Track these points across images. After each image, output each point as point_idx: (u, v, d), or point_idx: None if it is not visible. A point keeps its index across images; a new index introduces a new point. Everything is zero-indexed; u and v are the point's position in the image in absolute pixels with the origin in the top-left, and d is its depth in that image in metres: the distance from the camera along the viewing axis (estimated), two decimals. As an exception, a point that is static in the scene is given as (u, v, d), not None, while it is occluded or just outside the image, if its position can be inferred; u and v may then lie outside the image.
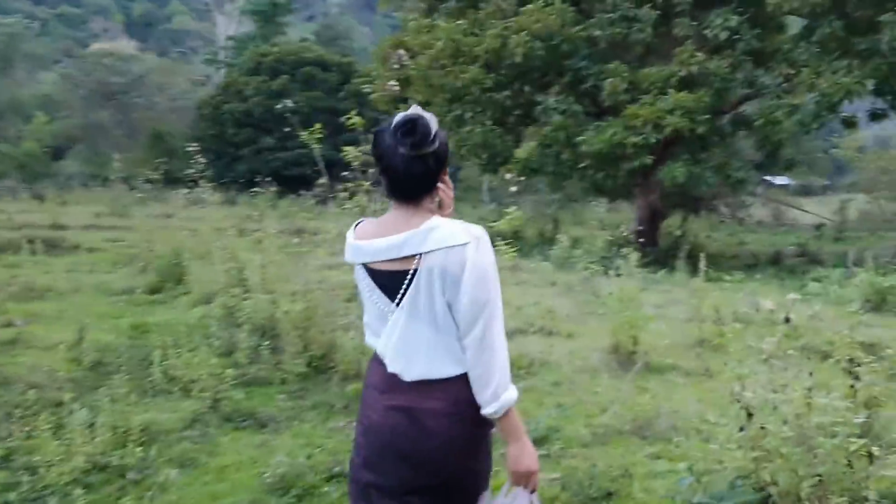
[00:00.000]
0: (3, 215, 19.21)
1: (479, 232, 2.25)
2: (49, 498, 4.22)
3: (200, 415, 5.67)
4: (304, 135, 6.79)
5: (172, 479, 4.57)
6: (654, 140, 16.76)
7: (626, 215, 24.98)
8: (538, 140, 18.35)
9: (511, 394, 2.24)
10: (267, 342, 6.93)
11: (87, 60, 47.10)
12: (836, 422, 4.21)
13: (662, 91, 17.28)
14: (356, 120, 5.54)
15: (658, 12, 17.93)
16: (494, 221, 26.26)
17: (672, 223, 22.59)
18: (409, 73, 20.62)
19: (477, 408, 2.24)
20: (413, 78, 20.60)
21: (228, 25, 53.20)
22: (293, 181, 26.79)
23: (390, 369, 2.30)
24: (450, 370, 2.26)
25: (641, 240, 15.59)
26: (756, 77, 19.06)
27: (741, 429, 4.30)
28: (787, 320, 4.54)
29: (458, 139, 19.41)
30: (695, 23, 17.93)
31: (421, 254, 2.20)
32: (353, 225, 2.45)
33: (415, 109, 2.30)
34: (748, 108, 20.31)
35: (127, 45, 55.81)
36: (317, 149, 6.50)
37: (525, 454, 2.30)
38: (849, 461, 3.91)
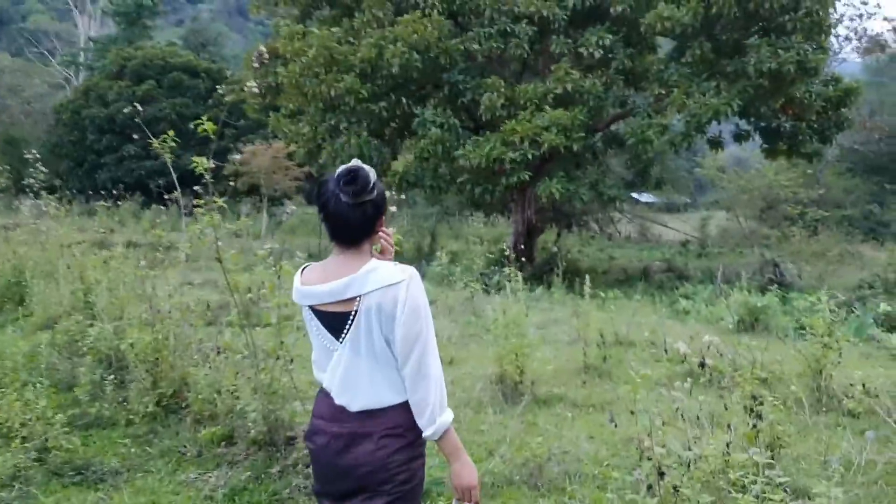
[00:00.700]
0: None
1: (411, 271, 2.46)
2: None
3: (22, 469, 4.73)
4: (156, 143, 5.91)
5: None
6: (531, 156, 16.53)
7: (503, 230, 24.84)
8: (416, 153, 17.79)
9: (447, 416, 2.47)
10: (112, 376, 6.03)
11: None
12: (749, 474, 3.78)
13: (539, 107, 17.11)
14: (208, 126, 4.74)
15: (535, 28, 17.79)
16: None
17: (547, 238, 22.55)
18: (280, 80, 19.74)
19: (414, 430, 2.48)
20: (285, 85, 19.70)
21: (90, 26, 50.26)
22: (159, 191, 25.31)
23: (337, 402, 2.51)
24: (390, 399, 2.48)
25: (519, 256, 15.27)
26: (627, 96, 19.25)
27: (649, 487, 3.79)
28: (703, 366, 4.07)
29: (332, 150, 18.65)
30: (570, 40, 17.88)
31: (361, 295, 2.41)
32: (300, 269, 2.61)
33: (355, 162, 2.50)
34: (620, 127, 20.49)
35: (-23, 43, 51.95)
36: (168, 158, 5.65)
37: (465, 470, 2.51)
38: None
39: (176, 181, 6.18)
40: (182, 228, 9.19)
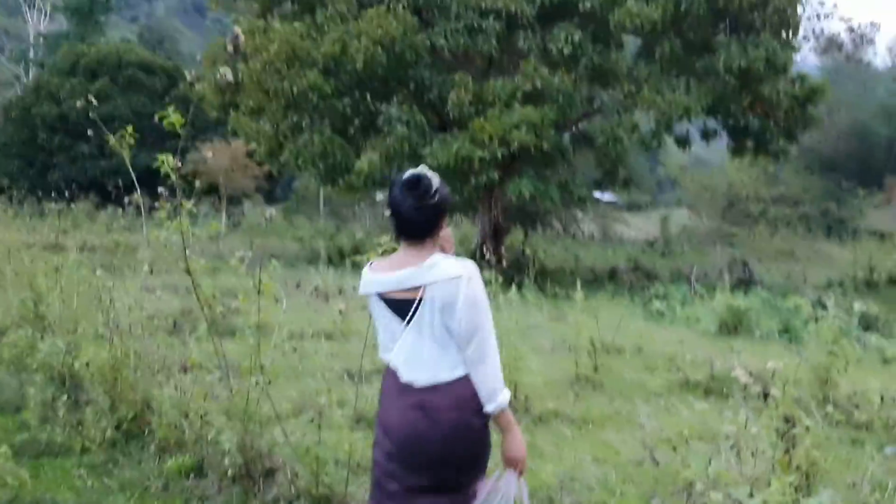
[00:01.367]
0: None
1: (471, 267, 2.69)
2: None
3: (-42, 511, 4.12)
4: (112, 140, 5.29)
5: None
6: (501, 155, 16.08)
7: (468, 230, 24.37)
8: (381, 151, 17.23)
9: (505, 395, 2.69)
10: (65, 396, 5.42)
11: None
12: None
13: (508, 105, 16.68)
14: (175, 118, 4.16)
15: (502, 24, 17.35)
16: (333, 236, 24.89)
17: (514, 239, 22.13)
18: (240, 77, 19.02)
19: (475, 401, 2.65)
20: (245, 82, 18.99)
21: (40, 22, 48.61)
22: (116, 191, 24.38)
23: (403, 379, 2.70)
24: (450, 375, 2.66)
25: (488, 257, 14.74)
26: (595, 94, 18.92)
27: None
28: (766, 397, 3.61)
29: (294, 148, 18.00)
30: (538, 37, 17.47)
31: (425, 285, 2.63)
32: (369, 263, 2.87)
33: (421, 168, 2.75)
34: (588, 126, 20.17)
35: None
36: (127, 155, 5.05)
37: (516, 443, 2.75)
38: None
39: (136, 181, 5.58)
40: (141, 231, 8.55)
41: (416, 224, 2.71)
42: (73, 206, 25.81)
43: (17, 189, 28.80)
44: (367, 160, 18.24)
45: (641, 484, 4.57)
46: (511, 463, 2.79)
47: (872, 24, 38.28)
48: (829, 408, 6.29)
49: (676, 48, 17.24)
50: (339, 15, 17.78)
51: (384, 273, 2.74)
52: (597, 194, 31.71)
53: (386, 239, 3.71)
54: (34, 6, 49.16)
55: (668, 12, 16.51)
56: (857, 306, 13.33)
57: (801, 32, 20.14)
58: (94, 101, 5.95)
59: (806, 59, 36.37)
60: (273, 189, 39.22)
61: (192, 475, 4.53)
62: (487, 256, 12.46)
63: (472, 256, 12.73)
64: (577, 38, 17.02)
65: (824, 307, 14.46)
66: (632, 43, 20.54)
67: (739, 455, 4.55)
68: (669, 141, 19.30)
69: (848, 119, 34.16)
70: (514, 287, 14.56)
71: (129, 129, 5.38)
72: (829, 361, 6.25)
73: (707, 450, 5.21)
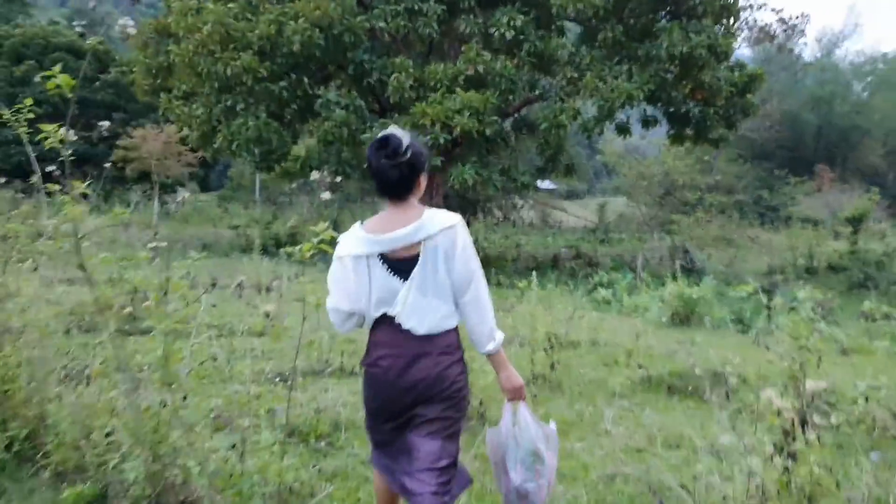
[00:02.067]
0: None
1: (459, 217, 2.87)
2: None
3: None
4: (7, 114, 4.44)
5: None
6: (443, 140, 15.42)
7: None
8: (318, 136, 16.40)
9: (500, 335, 2.92)
10: (-51, 410, 4.58)
11: None
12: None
13: (450, 90, 16.02)
14: (62, 79, 3.39)
15: (443, 7, 16.66)
16: (269, 223, 23.91)
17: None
18: (172, 59, 17.95)
19: (460, 348, 2.92)
20: (177, 65, 17.94)
21: (-38, 2, 46.00)
22: (43, 178, 22.92)
23: (405, 326, 2.83)
24: (447, 324, 2.85)
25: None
26: (537, 80, 18.39)
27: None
28: (804, 425, 3.07)
29: (228, 133, 17.02)
30: (480, 21, 16.83)
31: (424, 239, 2.77)
32: (358, 224, 2.92)
33: (391, 128, 2.86)
34: (529, 112, 19.65)
35: None
36: (23, 133, 4.23)
37: (512, 375, 2.99)
38: None
39: (34, 160, 4.74)
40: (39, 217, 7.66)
41: (395, 182, 2.80)
42: (-6, 193, 24.31)
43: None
44: (305, 145, 17.41)
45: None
46: (513, 393, 3.01)
47: (803, 15, 38.33)
48: (806, 409, 5.83)
49: (618, 34, 16.81)
50: (275, -6, 16.90)
51: (383, 234, 2.80)
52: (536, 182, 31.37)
53: (323, 226, 3.23)
54: (-45, -15, 46.50)
55: (610, -2, 16.07)
56: (803, 294, 13.11)
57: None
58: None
59: (738, 49, 36.53)
60: (207, 176, 37.90)
61: (93, 507, 3.78)
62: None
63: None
64: (519, 22, 16.44)
65: (768, 294, 14.24)
66: (573, 30, 20.10)
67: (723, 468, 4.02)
68: (607, 129, 18.90)
69: (779, 109, 34.39)
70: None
71: (28, 101, 4.54)
72: (801, 357, 5.75)
73: (681, 459, 4.67)
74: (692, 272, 17.23)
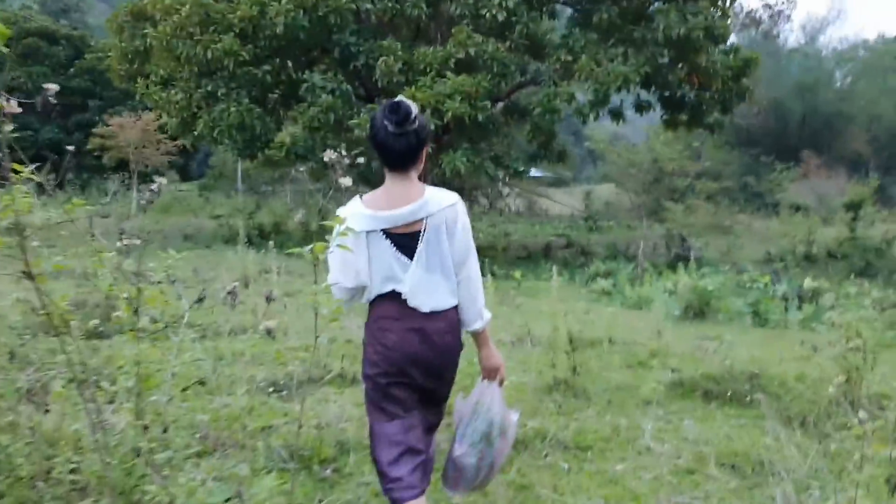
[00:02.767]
0: None
1: (458, 195, 2.87)
2: None
3: None
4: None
5: None
6: (433, 126, 14.70)
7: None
8: (304, 122, 15.64)
9: (488, 314, 2.92)
10: None
11: None
12: None
13: (440, 73, 15.31)
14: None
15: (433, -12, 15.94)
16: (252, 213, 23.09)
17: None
18: (149, 43, 17.11)
19: (460, 326, 2.90)
20: (155, 48, 17.10)
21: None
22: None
23: (410, 304, 2.80)
24: (449, 302, 2.84)
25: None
26: (528, 64, 17.74)
27: None
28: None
29: (209, 119, 16.22)
30: (471, 2, 16.08)
31: (427, 216, 2.74)
32: (358, 198, 2.86)
33: (399, 97, 2.75)
34: (522, 98, 18.99)
35: None
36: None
37: (493, 354, 3.00)
38: None
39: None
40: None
41: (402, 151, 2.73)
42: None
43: None
44: (290, 131, 16.65)
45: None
46: (491, 371, 3.01)
47: (789, 1, 38.08)
48: (861, 413, 5.22)
49: (613, 16, 16.15)
50: (257, -26, 16.05)
51: (387, 210, 2.77)
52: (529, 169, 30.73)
53: (343, 214, 2.78)
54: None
55: (604, -23, 15.40)
56: (808, 282, 12.56)
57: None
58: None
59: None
60: (188, 165, 36.94)
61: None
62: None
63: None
64: (511, 3, 15.73)
65: (774, 282, 13.67)
66: (567, 14, 19.43)
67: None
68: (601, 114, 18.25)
69: (764, 95, 33.90)
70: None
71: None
72: (854, 358, 5.14)
73: (743, 482, 4.04)
74: (689, 261, 16.67)
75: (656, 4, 16.47)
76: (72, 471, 3.24)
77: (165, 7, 16.40)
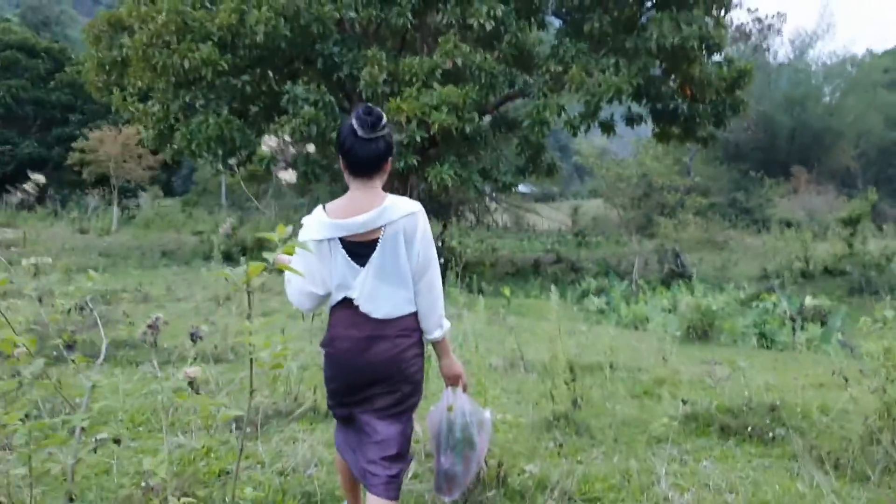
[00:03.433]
0: None
1: (420, 205, 2.84)
2: None
3: None
4: None
5: None
6: (419, 138, 14.14)
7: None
8: (285, 134, 15.00)
9: (447, 324, 2.91)
10: None
11: None
12: None
13: (426, 84, 14.74)
14: None
15: (418, -4, 15.39)
16: (234, 229, 22.41)
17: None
18: (125, 53, 16.48)
19: (418, 331, 2.88)
20: (131, 58, 16.46)
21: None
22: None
23: (362, 309, 2.79)
24: (404, 309, 2.83)
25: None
26: (518, 75, 17.21)
27: None
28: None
29: (187, 132, 15.57)
30: (458, 10, 15.55)
31: (386, 224, 2.74)
32: (321, 207, 2.84)
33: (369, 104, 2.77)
34: (511, 110, 18.47)
35: None
36: None
37: (453, 363, 3.00)
38: None
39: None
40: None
41: (368, 157, 2.72)
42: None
43: None
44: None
45: None
46: (452, 380, 3.03)
47: (779, 14, 37.80)
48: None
49: (605, 24, 15.66)
50: (237, -19, 15.46)
51: (345, 218, 2.75)
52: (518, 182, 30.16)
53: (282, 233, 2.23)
54: None
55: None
56: (809, 300, 11.99)
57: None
58: None
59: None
60: (170, 179, 36.22)
61: None
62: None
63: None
64: (499, 12, 15.20)
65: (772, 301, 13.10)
66: (556, 25, 18.94)
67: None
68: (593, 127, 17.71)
69: (754, 109, 33.57)
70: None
71: None
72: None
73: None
74: (683, 277, 16.11)
75: (649, 13, 15.99)
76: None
77: (142, 15, 15.79)
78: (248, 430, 4.71)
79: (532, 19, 17.06)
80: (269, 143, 2.10)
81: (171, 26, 15.35)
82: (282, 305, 9.71)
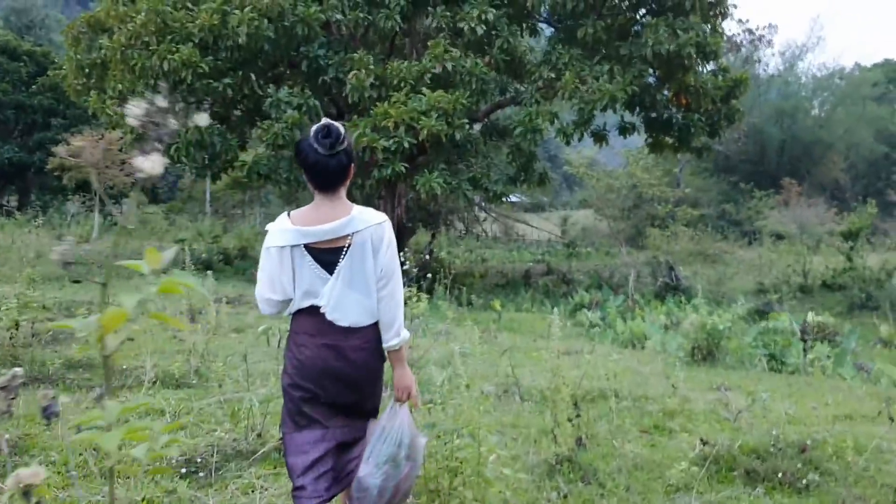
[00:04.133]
0: None
1: (385, 215, 2.89)
2: None
3: None
4: None
5: None
6: (407, 144, 13.48)
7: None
8: (268, 139, 14.33)
9: (406, 333, 2.93)
10: None
11: None
12: None
13: (415, 89, 14.09)
14: None
15: (407, -1, 14.75)
16: (217, 237, 21.68)
17: (419, 241, 19.57)
18: (105, 55, 15.78)
19: (379, 342, 2.89)
20: (110, 60, 15.76)
21: None
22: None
23: (329, 317, 2.81)
24: (368, 320, 2.86)
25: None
26: (508, 83, 16.63)
27: None
28: None
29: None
30: (448, 13, 14.93)
31: (353, 233, 2.78)
32: (286, 214, 2.85)
33: (325, 119, 2.80)
34: (502, 118, 17.86)
35: None
36: None
37: (405, 374, 2.98)
38: None
39: None
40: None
41: (331, 172, 2.75)
42: None
43: None
44: (254, 151, 15.35)
45: None
46: (402, 392, 2.97)
47: (770, 26, 37.41)
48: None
49: (599, 30, 15.07)
50: (219, -19, 14.78)
51: (312, 226, 2.77)
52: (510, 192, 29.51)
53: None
54: None
55: (589, -10, 14.35)
56: (811, 317, 11.37)
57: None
58: None
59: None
60: (156, 186, 35.42)
61: None
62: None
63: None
64: (490, 16, 14.59)
65: (761, 315, 12.50)
66: (549, 33, 18.35)
67: None
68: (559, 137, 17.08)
69: (744, 121, 33.14)
70: (425, 297, 11.99)
71: None
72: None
73: None
74: (678, 291, 15.51)
75: (644, 19, 15.43)
76: None
77: (120, 15, 15.12)
78: (202, 474, 4.02)
79: (524, 25, 16.50)
80: (134, 111, 1.41)
81: (151, 27, 14.67)
82: (259, 320, 9.01)
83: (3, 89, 30.22)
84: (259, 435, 4.49)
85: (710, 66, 16.66)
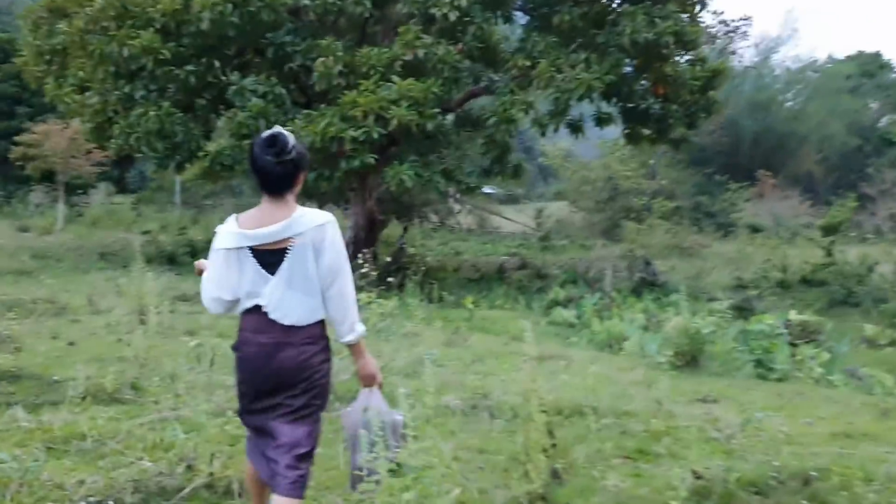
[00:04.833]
0: None
1: (331, 216, 2.92)
2: None
3: None
4: None
5: None
6: (377, 135, 12.86)
7: (341, 223, 20.97)
8: (232, 129, 13.64)
9: (361, 327, 2.98)
10: None
11: None
12: None
13: (385, 77, 13.46)
14: None
15: (378, -16, 14.09)
16: (184, 229, 20.90)
17: (390, 233, 18.94)
18: (63, 41, 15.03)
19: (324, 339, 2.97)
20: (69, 45, 15.01)
21: None
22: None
23: (271, 316, 2.85)
24: (310, 318, 2.89)
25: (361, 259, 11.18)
26: (482, 72, 16.03)
27: None
28: None
29: (126, 125, 14.13)
30: (419, 1, 14.28)
31: (295, 235, 2.82)
32: (233, 217, 2.93)
33: (276, 128, 2.84)
34: (476, 108, 17.25)
35: None
36: None
37: (368, 363, 3.09)
38: None
39: None
40: None
41: (278, 179, 2.82)
42: None
43: None
44: (218, 142, 14.66)
45: None
46: (367, 380, 3.12)
47: (745, 19, 37.16)
48: None
49: (575, 18, 14.52)
50: (181, -36, 14.02)
51: (256, 228, 2.83)
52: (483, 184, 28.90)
53: None
54: None
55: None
56: (793, 315, 10.91)
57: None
58: None
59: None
60: (123, 176, 34.47)
61: None
62: (360, 259, 9.30)
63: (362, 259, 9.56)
64: (463, 3, 13.95)
65: (743, 312, 12.04)
66: (523, 21, 17.75)
67: None
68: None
69: (719, 112, 32.80)
70: (394, 294, 11.34)
71: None
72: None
73: None
74: (654, 286, 15.04)
75: (622, 7, 14.90)
76: None
77: (79, -1, 14.33)
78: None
79: (498, 12, 15.88)
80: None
81: (110, 11, 13.98)
82: (213, 321, 8.37)
83: (-37, 76, 29.15)
84: (189, 467, 3.87)
85: (689, 56, 16.20)
